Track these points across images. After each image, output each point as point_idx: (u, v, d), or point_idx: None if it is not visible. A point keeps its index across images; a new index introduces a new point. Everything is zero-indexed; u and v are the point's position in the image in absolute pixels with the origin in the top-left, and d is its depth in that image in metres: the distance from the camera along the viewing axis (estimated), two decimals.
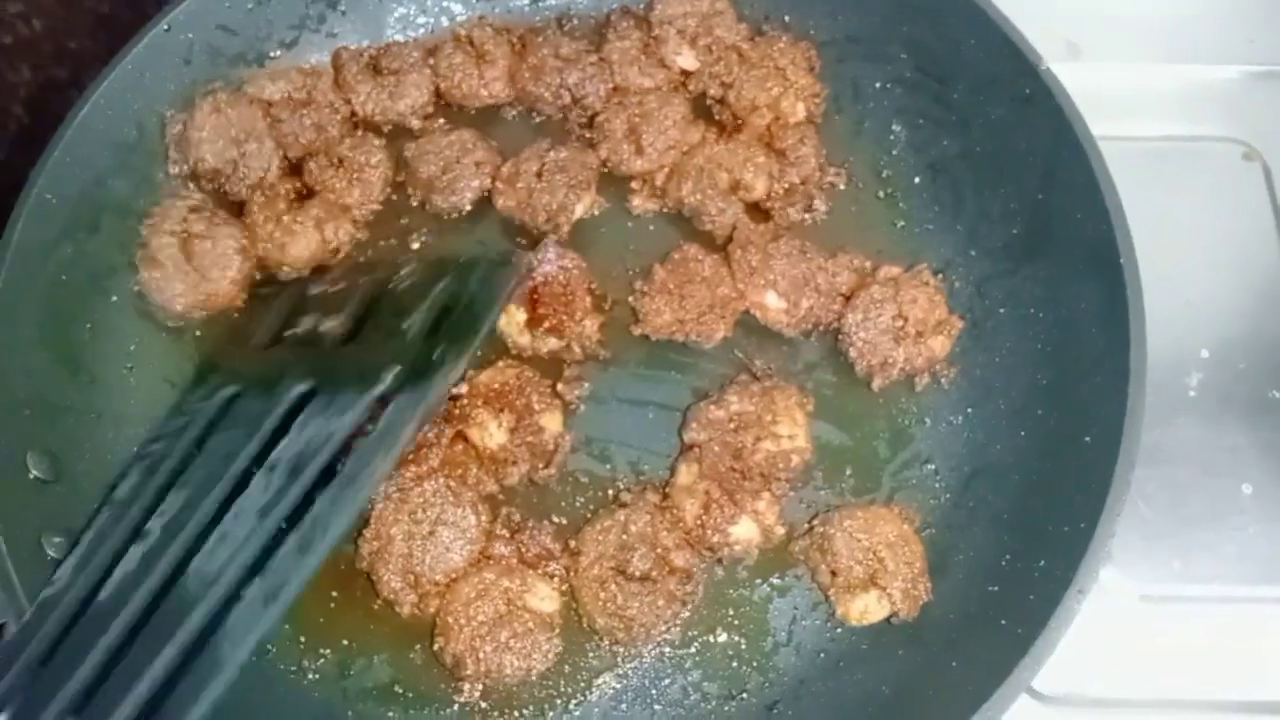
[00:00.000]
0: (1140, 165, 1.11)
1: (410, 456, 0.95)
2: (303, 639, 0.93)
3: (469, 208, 1.10)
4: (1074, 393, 0.93)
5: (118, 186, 1.03)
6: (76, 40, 1.11)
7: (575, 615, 0.94)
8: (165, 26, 1.04)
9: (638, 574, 0.91)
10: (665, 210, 1.11)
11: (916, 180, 1.11)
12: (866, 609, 0.91)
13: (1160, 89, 1.28)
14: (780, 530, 0.95)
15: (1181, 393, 1.11)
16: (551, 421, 0.98)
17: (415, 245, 1.09)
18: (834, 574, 0.93)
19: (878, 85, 1.13)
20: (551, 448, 0.98)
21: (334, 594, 0.95)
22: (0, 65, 1.03)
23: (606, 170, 1.11)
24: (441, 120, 1.15)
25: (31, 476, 0.88)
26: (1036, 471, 0.93)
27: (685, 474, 0.96)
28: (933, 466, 0.99)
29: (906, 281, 1.02)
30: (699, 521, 0.93)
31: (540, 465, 0.97)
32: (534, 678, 0.90)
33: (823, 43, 1.15)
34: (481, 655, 0.88)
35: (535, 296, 1.01)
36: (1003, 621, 0.84)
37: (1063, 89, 0.98)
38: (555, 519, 0.97)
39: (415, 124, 1.14)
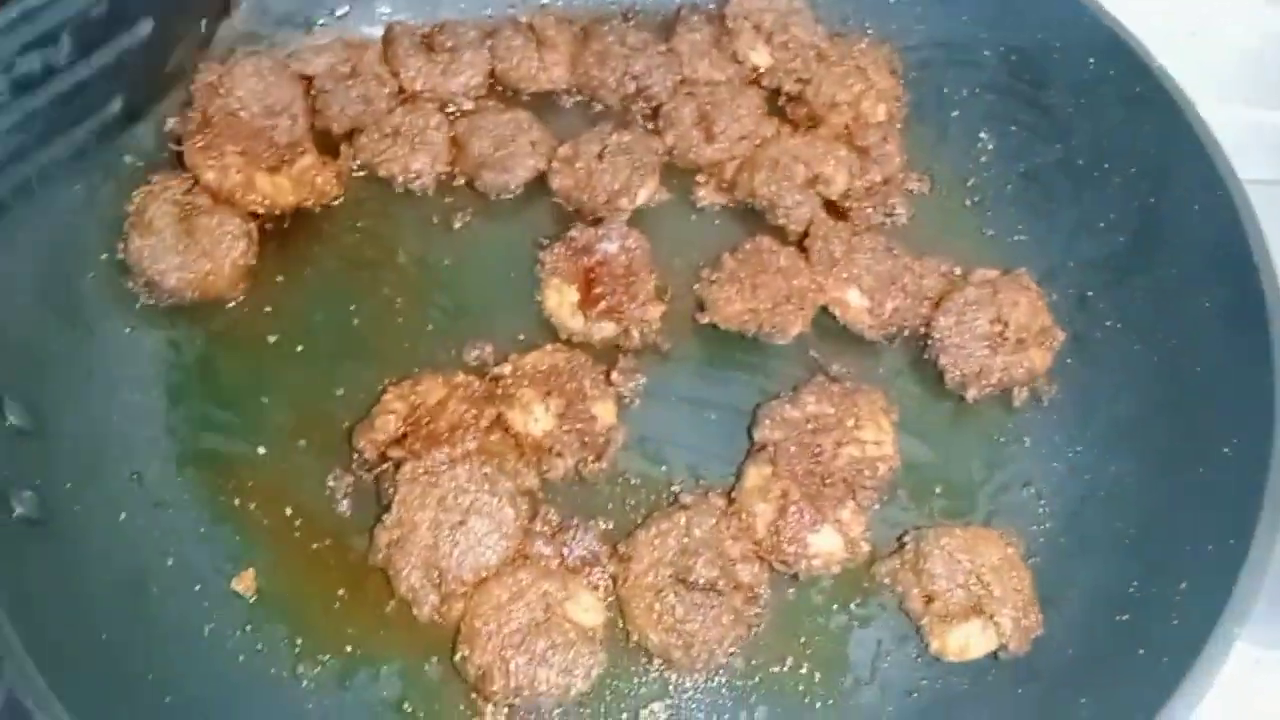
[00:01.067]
0: None
1: (443, 437, 0.83)
2: (299, 641, 0.79)
3: (519, 189, 1.01)
4: (1201, 404, 0.82)
5: (141, 132, 0.94)
6: None
7: (621, 633, 0.80)
8: None
9: (701, 582, 0.78)
10: (732, 205, 1.02)
11: (1008, 189, 1.03)
12: (968, 642, 0.78)
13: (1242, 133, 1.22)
14: (865, 547, 0.82)
15: None
16: (604, 411, 0.87)
17: (457, 225, 1.00)
18: (929, 600, 0.79)
19: (965, 92, 1.06)
20: (603, 440, 0.86)
21: (340, 592, 0.81)
22: None
23: (670, 160, 1.03)
24: (494, 102, 1.07)
25: (8, 423, 0.76)
26: (1161, 491, 0.81)
27: (756, 475, 0.83)
28: (1034, 490, 0.87)
29: (1006, 284, 0.92)
30: (772, 528, 0.80)
31: (590, 458, 0.85)
32: (570, 700, 0.76)
33: (905, 47, 1.08)
34: (512, 667, 0.74)
35: (592, 276, 0.91)
36: (1141, 651, 0.71)
37: (1176, 85, 0.90)
38: (601, 522, 0.85)
39: (467, 105, 1.07)
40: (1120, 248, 0.94)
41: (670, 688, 0.79)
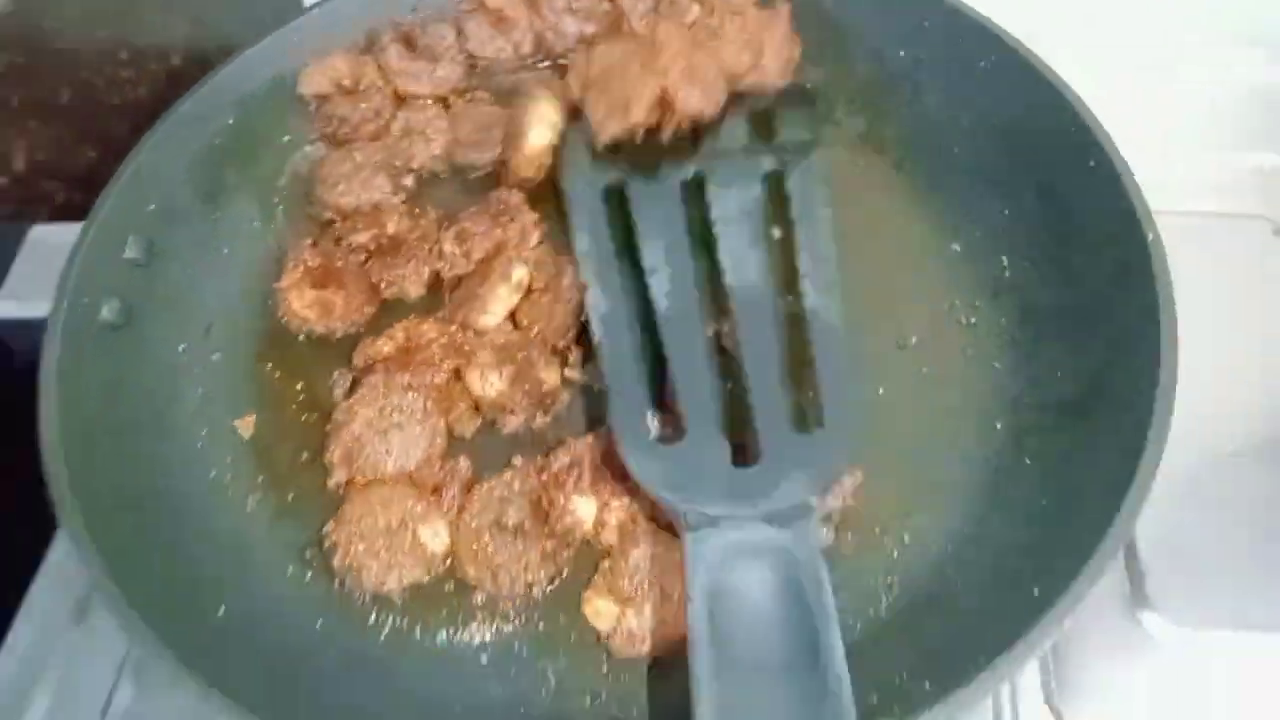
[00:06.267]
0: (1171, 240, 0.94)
1: (411, 366, 1.03)
2: (260, 479, 1.00)
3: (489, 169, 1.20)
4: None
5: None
6: None
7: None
8: None
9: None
10: None
11: (1003, 321, 1.05)
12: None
13: (1192, 173, 1.27)
14: None
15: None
16: (550, 375, 1.02)
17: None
18: None
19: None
20: (550, 400, 1.02)
21: (304, 456, 1.02)
22: None
23: None
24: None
25: (125, 255, 1.03)
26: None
27: None
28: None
29: None
30: None
31: (539, 414, 1.01)
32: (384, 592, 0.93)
33: None
34: (352, 551, 0.93)
35: None
36: None
37: (1163, 261, 0.90)
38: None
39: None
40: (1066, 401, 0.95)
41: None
